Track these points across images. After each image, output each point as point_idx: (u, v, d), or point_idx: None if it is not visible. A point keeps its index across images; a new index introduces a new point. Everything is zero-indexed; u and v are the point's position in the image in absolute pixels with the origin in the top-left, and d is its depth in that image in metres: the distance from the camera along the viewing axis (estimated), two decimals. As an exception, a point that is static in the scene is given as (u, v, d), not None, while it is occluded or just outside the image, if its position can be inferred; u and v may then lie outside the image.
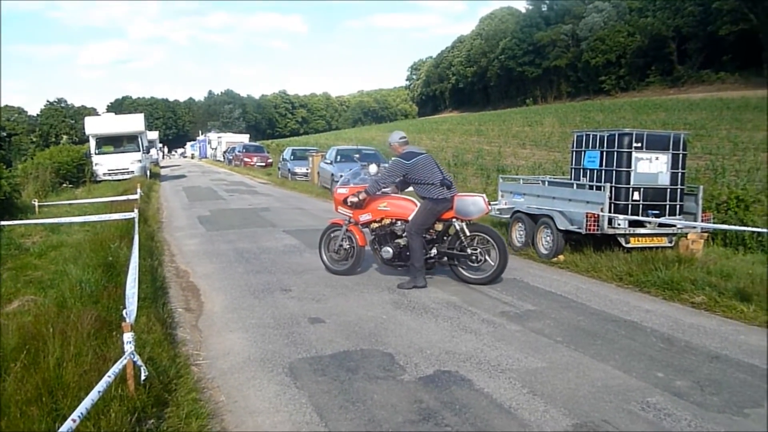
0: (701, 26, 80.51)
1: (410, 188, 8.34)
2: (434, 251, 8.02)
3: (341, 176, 18.38)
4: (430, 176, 7.84)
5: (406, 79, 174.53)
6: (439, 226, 8.05)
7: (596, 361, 5.20)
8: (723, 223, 10.92)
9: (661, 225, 9.17)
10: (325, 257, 8.70)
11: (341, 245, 8.49)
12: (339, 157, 21.48)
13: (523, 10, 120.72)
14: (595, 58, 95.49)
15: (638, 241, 9.13)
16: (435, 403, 4.32)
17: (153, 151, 42.69)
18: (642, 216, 9.10)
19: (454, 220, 7.94)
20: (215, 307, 7.07)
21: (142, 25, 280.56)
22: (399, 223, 8.17)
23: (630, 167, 9.07)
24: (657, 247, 9.05)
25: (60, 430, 2.79)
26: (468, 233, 7.94)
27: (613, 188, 9.11)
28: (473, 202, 7.98)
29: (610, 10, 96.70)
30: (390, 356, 5.30)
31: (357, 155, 19.54)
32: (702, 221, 9.30)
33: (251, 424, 4.07)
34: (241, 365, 5.18)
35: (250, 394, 4.58)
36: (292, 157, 30.59)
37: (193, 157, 75.44)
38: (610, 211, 8.96)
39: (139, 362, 4.22)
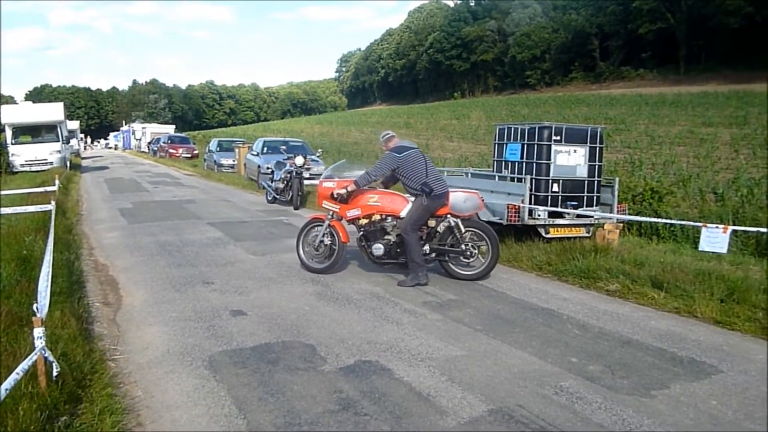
0: (622, 24, 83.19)
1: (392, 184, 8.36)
2: (427, 248, 7.82)
3: (268, 167, 18.38)
4: (422, 171, 7.70)
5: (336, 71, 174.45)
6: (432, 222, 7.85)
7: (514, 348, 5.33)
8: (638, 214, 11.32)
9: (579, 216, 9.44)
10: (302, 254, 8.31)
11: (322, 241, 8.13)
12: (266, 148, 21.25)
13: (452, 5, 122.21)
14: (521, 54, 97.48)
15: (557, 231, 9.38)
16: (354, 392, 4.35)
17: (73, 142, 41.42)
18: (561, 207, 9.35)
19: (448, 216, 7.80)
20: (135, 300, 6.91)
21: (63, 12, 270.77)
22: (389, 219, 7.92)
23: (549, 160, 9.31)
24: (575, 238, 9.32)
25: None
26: (463, 229, 7.86)
27: (534, 180, 9.33)
28: (468, 198, 7.92)
29: (536, 7, 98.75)
30: (311, 347, 5.30)
31: (284, 147, 19.38)
32: (618, 212, 9.63)
33: (168, 419, 4.01)
34: (159, 359, 5.08)
35: (168, 388, 4.50)
36: (218, 149, 30.13)
37: (116, 148, 73.49)
38: (530, 203, 9.18)
39: (51, 358, 4.11)
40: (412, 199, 7.82)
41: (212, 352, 5.21)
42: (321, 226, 8.19)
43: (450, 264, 7.95)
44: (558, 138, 9.31)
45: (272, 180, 16.91)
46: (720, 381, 4.69)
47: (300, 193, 15.65)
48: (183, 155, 39.45)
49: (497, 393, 4.36)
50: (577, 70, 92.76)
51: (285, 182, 16.13)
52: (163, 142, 43.75)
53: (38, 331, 3.96)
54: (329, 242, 8.12)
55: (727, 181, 17.70)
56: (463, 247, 7.82)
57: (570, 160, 9.43)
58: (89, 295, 7.12)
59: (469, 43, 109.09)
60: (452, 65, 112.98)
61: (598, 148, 9.64)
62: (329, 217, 8.12)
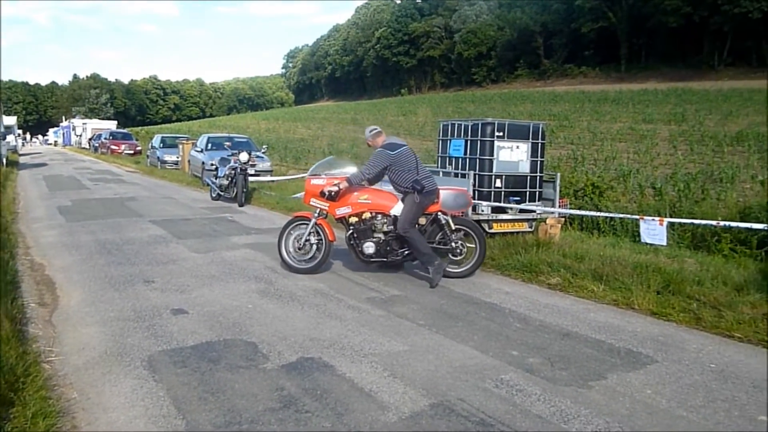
0: (565, 23, 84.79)
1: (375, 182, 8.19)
2: None
3: (212, 164, 18.14)
4: (414, 169, 7.62)
5: (283, 67, 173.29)
6: (423, 220, 7.79)
7: (456, 343, 5.37)
8: (579, 208, 11.54)
9: (521, 211, 9.58)
10: (285, 255, 8.03)
11: (308, 240, 7.90)
12: (210, 145, 20.98)
13: (399, 1, 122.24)
14: (467, 51, 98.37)
15: (500, 226, 9.49)
16: (296, 390, 4.32)
17: (10, 138, 40.15)
18: (504, 202, 9.47)
19: (439, 213, 7.77)
20: (72, 301, 6.73)
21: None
22: (379, 216, 7.78)
23: (492, 156, 9.40)
24: (518, 232, 9.46)
25: None
26: (453, 227, 7.85)
27: (477, 176, 9.41)
28: (458, 195, 7.91)
29: (482, 5, 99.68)
30: (254, 345, 5.25)
31: (228, 143, 19.14)
32: (559, 207, 9.79)
33: (104, 421, 3.92)
34: (96, 360, 4.96)
35: (105, 389, 4.40)
36: (161, 145, 29.61)
37: (56, 144, 71.56)
38: (474, 198, 9.26)
39: (-21, 360, 3.97)
40: (400, 196, 7.79)
41: (151, 351, 5.11)
42: (305, 224, 7.97)
43: None
44: (501, 134, 9.41)
45: (216, 177, 16.71)
46: (655, 371, 4.81)
47: (245, 190, 15.50)
48: (125, 152, 38.68)
49: (439, 387, 4.39)
50: (522, 67, 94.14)
51: (229, 179, 15.95)
52: (105, 138, 42.81)
53: (-35, 334, 3.82)
54: (315, 240, 7.95)
55: (665, 176, 18.20)
56: (453, 245, 7.83)
57: (513, 155, 9.55)
58: (24, 295, 6.89)
59: (416, 40, 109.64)
60: (399, 61, 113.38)
61: (540, 144, 9.78)
62: (316, 215, 7.90)
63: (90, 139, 49.92)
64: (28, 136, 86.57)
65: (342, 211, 7.79)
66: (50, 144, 76.26)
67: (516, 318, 6.19)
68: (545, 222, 9.48)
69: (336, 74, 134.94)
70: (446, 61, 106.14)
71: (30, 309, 6.40)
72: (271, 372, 4.66)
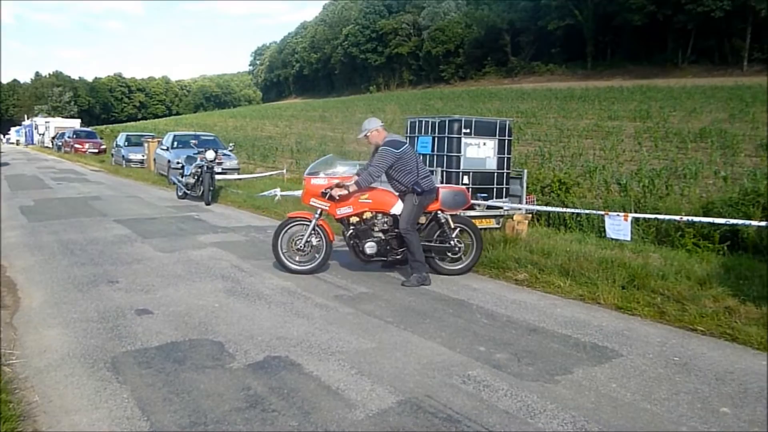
0: (532, 20, 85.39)
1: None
2: None
3: (178, 162, 17.95)
4: (417, 167, 7.56)
5: (250, 65, 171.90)
6: (422, 219, 7.77)
7: (423, 339, 5.38)
8: (547, 204, 11.65)
9: (489, 207, 9.62)
10: (283, 256, 7.83)
11: (308, 241, 7.75)
12: (176, 143, 20.79)
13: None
14: (435, 48, 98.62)
15: (468, 223, 9.51)
16: (263, 389, 4.28)
17: (-30, 138, 39.31)
18: (471, 199, 9.49)
19: (438, 212, 7.76)
20: (33, 302, 6.60)
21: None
22: (380, 216, 7.70)
23: (460, 152, 9.43)
24: (485, 229, 9.48)
25: None
26: (453, 225, 7.85)
27: (445, 172, 9.44)
28: (457, 194, 7.89)
29: (450, 2, 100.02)
30: (220, 345, 5.19)
31: (194, 141, 18.97)
32: (526, 203, 9.86)
33: (66, 424, 3.84)
34: (58, 362, 4.87)
35: (67, 392, 4.31)
36: (126, 143, 29.27)
37: (18, 144, 70.25)
38: (440, 195, 9.28)
39: (-65, 365, 3.87)
40: (396, 193, 7.74)
41: (115, 353, 5.02)
42: (303, 224, 7.81)
43: (436, 260, 7.88)
44: (468, 131, 9.45)
45: (183, 175, 16.55)
46: (620, 364, 4.86)
47: (211, 188, 15.36)
48: (89, 150, 38.16)
49: (406, 384, 4.38)
50: (489, 64, 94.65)
51: (196, 177, 15.80)
52: (68, 137, 42.19)
53: None
54: (317, 242, 7.82)
55: (630, 173, 18.44)
56: (452, 243, 7.84)
57: (480, 152, 9.59)
58: (-16, 297, 6.76)
59: (384, 36, 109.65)
60: (367, 59, 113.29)
61: (507, 141, 9.84)
62: (317, 215, 7.73)
63: (53, 138, 49.13)
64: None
65: (343, 211, 7.65)
66: (12, 143, 74.79)
67: (483, 314, 6.21)
68: (512, 218, 9.54)
69: (304, 72, 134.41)
70: (414, 59, 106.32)
71: (-10, 311, 6.26)
72: (237, 371, 4.61)
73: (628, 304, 6.46)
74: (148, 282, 7.32)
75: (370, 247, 7.62)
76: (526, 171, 10.31)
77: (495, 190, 9.75)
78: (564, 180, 13.06)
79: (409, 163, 7.50)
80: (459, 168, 9.42)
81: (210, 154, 15.51)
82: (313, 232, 7.75)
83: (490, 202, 9.54)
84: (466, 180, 9.44)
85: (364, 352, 5.03)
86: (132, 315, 6.03)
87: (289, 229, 7.88)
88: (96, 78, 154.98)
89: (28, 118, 78.78)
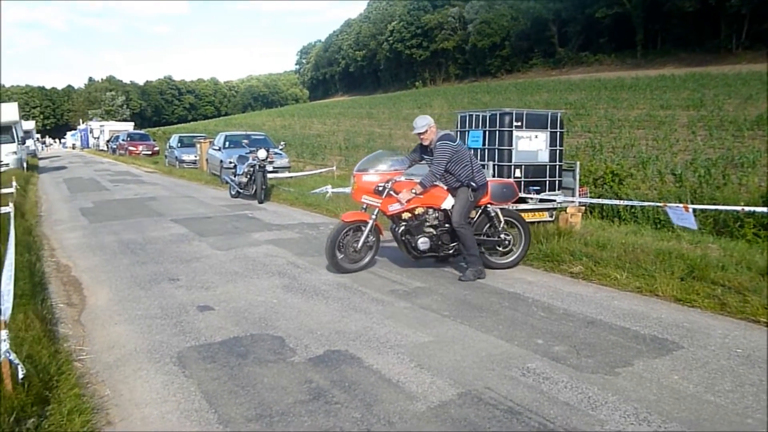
0: (579, 10, 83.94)
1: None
2: None
3: (230, 162, 18.24)
4: (471, 161, 7.53)
5: (296, 63, 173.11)
6: (473, 213, 7.73)
7: (481, 333, 5.40)
8: (599, 197, 11.52)
9: (542, 200, 9.57)
10: (339, 259, 7.64)
11: (366, 242, 7.67)
12: (228, 143, 21.11)
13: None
14: (481, 41, 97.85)
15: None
16: (325, 382, 4.37)
17: (29, 142, 40.56)
18: (524, 192, 9.46)
19: (488, 206, 7.75)
20: (99, 300, 6.83)
21: (15, 10, 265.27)
22: (431, 211, 7.63)
23: (511, 146, 9.40)
24: (538, 222, 9.44)
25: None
26: (502, 219, 7.85)
27: (496, 166, 9.42)
28: (506, 187, 7.89)
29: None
30: (280, 339, 5.31)
31: (246, 141, 19.26)
32: (579, 196, 9.77)
33: (138, 416, 3.99)
34: (127, 358, 5.04)
35: (136, 386, 4.47)
36: (179, 145, 29.83)
37: (74, 147, 72.16)
38: (492, 188, 9.26)
39: (16, 360, 4.04)
40: (444, 188, 7.66)
41: (180, 348, 5.18)
42: (362, 227, 7.65)
43: (485, 254, 7.83)
44: (519, 124, 9.41)
45: (235, 174, 16.82)
46: (681, 356, 4.81)
47: (264, 187, 15.58)
48: (143, 152, 38.98)
49: (465, 377, 4.42)
50: (536, 56, 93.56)
51: (248, 176, 16.04)
52: (123, 140, 43.14)
53: (2, 334, 3.90)
54: (373, 239, 7.79)
55: (685, 163, 18.08)
56: (502, 236, 7.85)
57: (531, 145, 9.54)
58: (52, 296, 7.00)
59: (429, 32, 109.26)
60: (413, 54, 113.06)
61: (558, 133, 9.77)
62: (374, 215, 7.63)
63: (108, 141, 50.33)
64: (46, 139, 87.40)
65: (395, 207, 7.52)
66: (68, 147, 76.90)
67: (540, 307, 6.20)
68: (566, 211, 9.48)
69: (350, 69, 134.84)
70: (460, 53, 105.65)
71: (59, 309, 6.50)
72: (299, 365, 4.71)
73: (687, 296, 6.37)
74: (208, 279, 7.50)
75: (423, 243, 7.55)
76: (578, 163, 10.22)
77: (547, 182, 9.69)
78: (617, 172, 12.88)
79: (464, 157, 7.48)
80: (511, 161, 9.39)
81: (262, 153, 15.73)
82: (371, 231, 7.69)
83: (542, 195, 9.48)
84: (518, 173, 9.41)
85: (423, 346, 5.08)
86: (194, 311, 6.20)
87: (348, 232, 7.69)
88: (147, 81, 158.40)
89: (82, 123, 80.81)
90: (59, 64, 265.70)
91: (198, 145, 27.32)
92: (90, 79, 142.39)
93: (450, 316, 5.90)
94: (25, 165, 28.06)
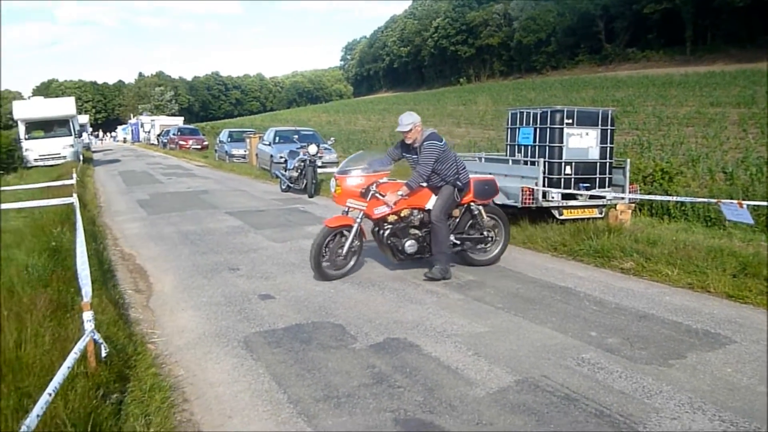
0: (627, 5, 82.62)
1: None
2: (452, 237, 7.54)
3: (281, 157, 18.59)
4: (455, 160, 7.41)
5: (341, 60, 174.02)
6: (456, 211, 7.65)
7: (534, 324, 5.55)
8: (649, 194, 11.48)
9: (591, 197, 9.63)
10: (324, 266, 7.22)
11: (351, 247, 7.30)
12: (277, 138, 21.47)
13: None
14: (526, 38, 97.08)
15: (571, 213, 9.56)
16: (387, 367, 4.58)
17: (84, 135, 41.69)
18: (574, 189, 9.54)
19: (471, 204, 7.69)
20: (165, 287, 7.16)
21: (69, 8, 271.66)
22: (415, 212, 7.44)
23: (562, 143, 9.48)
24: (588, 218, 9.50)
25: (38, 403, 2.93)
26: (485, 216, 7.81)
27: (547, 163, 9.50)
28: (487, 183, 7.87)
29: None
30: (341, 327, 5.53)
31: (296, 136, 19.61)
32: (629, 193, 9.80)
33: (212, 395, 4.25)
34: (196, 341, 5.33)
35: (208, 367, 4.75)
36: (229, 139, 30.36)
37: (125, 141, 73.79)
38: (544, 185, 9.37)
39: (100, 340, 4.35)
40: (423, 184, 7.35)
41: (246, 333, 5.45)
42: (346, 231, 7.28)
43: (469, 252, 7.84)
44: (570, 121, 9.48)
45: (286, 169, 17.14)
46: (734, 350, 4.89)
47: (314, 182, 15.86)
48: (193, 146, 39.68)
49: (522, 365, 4.58)
50: (583, 52, 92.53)
51: (299, 171, 16.34)
52: (173, 134, 44.00)
53: (87, 315, 4.19)
54: (357, 244, 7.43)
55: (736, 161, 17.84)
56: (485, 233, 7.85)
57: (582, 142, 9.60)
58: (120, 283, 7.38)
59: (474, 28, 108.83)
60: (457, 51, 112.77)
61: (609, 131, 9.81)
62: (359, 219, 7.31)
63: (158, 135, 51.36)
64: (100, 133, 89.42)
65: (381, 210, 7.24)
66: (119, 141, 78.61)
67: (591, 301, 6.31)
68: (615, 208, 9.52)
69: (394, 65, 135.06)
70: (505, 49, 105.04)
71: (128, 295, 6.86)
72: (360, 351, 4.93)
73: (739, 292, 6.41)
74: (266, 269, 7.78)
75: (410, 246, 7.35)
76: (628, 160, 10.24)
77: (597, 179, 9.74)
78: (666, 169, 12.81)
79: (450, 156, 7.37)
80: (561, 158, 9.46)
81: (312, 149, 16.01)
82: (354, 237, 7.32)
83: (592, 192, 9.55)
84: (568, 170, 9.49)
85: (479, 335, 5.26)
86: (256, 299, 6.48)
87: (334, 238, 7.28)
88: (194, 77, 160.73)
89: (133, 117, 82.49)
90: (111, 60, 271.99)
91: (247, 140, 27.78)
92: (140, 74, 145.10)
93: (504, 308, 6.06)
94: (81, 158, 28.90)
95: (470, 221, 7.79)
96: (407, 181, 7.19)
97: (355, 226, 7.26)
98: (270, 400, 4.13)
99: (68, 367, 3.48)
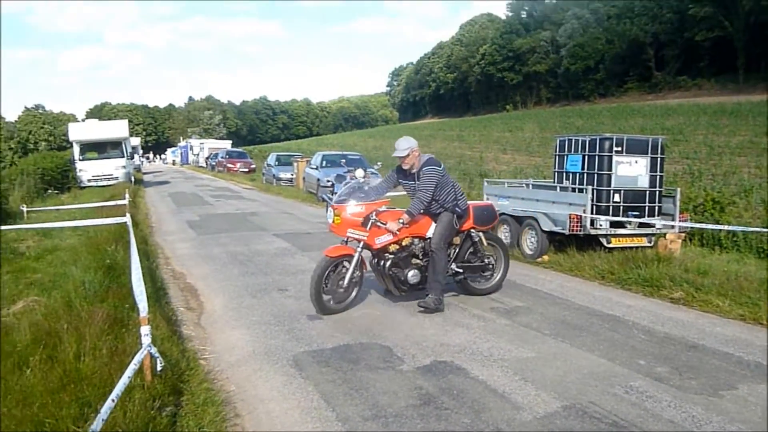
0: (678, 33, 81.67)
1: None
2: (453, 266, 7.38)
3: (328, 180, 18.83)
4: (454, 185, 7.28)
5: (387, 85, 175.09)
6: (457, 239, 7.46)
7: (582, 351, 5.54)
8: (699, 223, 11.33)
9: (641, 225, 9.56)
10: (325, 299, 6.85)
11: (352, 279, 6.93)
12: (324, 162, 21.75)
13: (503, 17, 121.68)
14: (574, 65, 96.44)
15: (619, 241, 9.50)
16: (434, 389, 4.63)
17: (135, 157, 42.73)
18: (622, 217, 9.48)
19: (471, 230, 7.51)
20: (215, 306, 7.33)
21: (118, 30, 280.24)
22: (416, 241, 7.18)
23: (611, 170, 9.45)
24: (637, 247, 9.43)
25: (102, 408, 3.06)
26: (485, 243, 7.64)
27: (595, 190, 9.47)
28: (486, 209, 7.76)
29: (589, 17, 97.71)
30: (388, 349, 5.60)
31: (343, 160, 19.84)
32: (679, 221, 9.70)
33: (263, 410, 4.35)
34: (246, 358, 5.45)
35: (258, 384, 4.86)
36: (276, 163, 30.80)
37: (174, 163, 75.33)
38: (592, 213, 9.33)
39: (156, 353, 4.49)
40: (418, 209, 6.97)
41: (295, 352, 5.55)
42: (346, 262, 6.92)
43: (469, 281, 7.63)
44: (619, 149, 9.45)
45: (333, 193, 17.31)
46: (787, 383, 4.81)
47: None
48: (240, 170, 40.33)
49: (569, 391, 4.58)
50: (632, 80, 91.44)
51: (346, 195, 16.47)
52: (222, 157, 44.85)
53: (145, 329, 4.35)
54: (358, 276, 7.07)
55: (790, 191, 17.42)
56: (485, 261, 7.65)
57: (631, 170, 9.56)
58: (172, 300, 7.57)
59: (522, 55, 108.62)
60: (504, 77, 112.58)
61: (659, 159, 9.75)
62: (360, 249, 6.94)
63: (207, 158, 52.37)
64: (150, 155, 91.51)
65: (383, 239, 6.94)
66: (168, 163, 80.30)
67: (640, 330, 6.26)
68: (665, 237, 9.43)
69: (440, 91, 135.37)
70: (553, 76, 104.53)
71: (180, 312, 7.04)
72: (407, 373, 4.99)
73: (793, 325, 6.30)
74: (314, 291, 7.88)
75: (413, 276, 7.07)
76: (679, 189, 10.14)
77: (647, 208, 9.66)
78: (718, 199, 12.62)
79: (448, 182, 7.17)
80: (610, 186, 9.43)
81: (359, 173, 16.01)
82: (357, 265, 6.96)
83: (641, 220, 9.48)
84: (617, 198, 9.44)
85: (525, 361, 5.27)
86: (304, 319, 6.59)
87: (334, 269, 6.91)
88: (243, 101, 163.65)
89: (182, 140, 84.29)
90: (160, 83, 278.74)
91: (295, 164, 28.17)
92: (190, 98, 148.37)
93: (551, 334, 6.06)
94: (132, 179, 29.64)
95: (471, 248, 7.58)
96: (408, 209, 6.91)
97: (356, 255, 6.90)
98: (319, 417, 4.21)
99: (128, 377, 3.62)
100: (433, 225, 7.16)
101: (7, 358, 4.88)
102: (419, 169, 7.06)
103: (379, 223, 6.82)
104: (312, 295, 6.75)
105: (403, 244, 7.09)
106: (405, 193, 7.54)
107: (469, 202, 7.51)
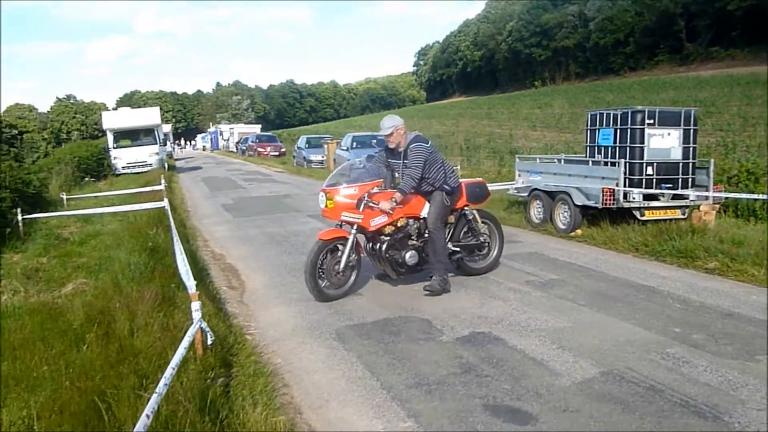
0: (710, 2, 79.89)
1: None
2: (450, 245, 7.26)
3: (359, 161, 18.92)
4: (443, 163, 7.13)
5: (414, 65, 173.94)
6: (452, 218, 7.34)
7: (617, 320, 5.64)
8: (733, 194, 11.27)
9: (674, 197, 9.56)
10: (322, 285, 6.65)
11: (348, 262, 6.75)
12: (355, 143, 21.92)
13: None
14: (603, 39, 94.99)
15: (653, 213, 9.51)
16: (474, 358, 4.77)
17: (168, 144, 43.29)
18: (656, 189, 9.49)
19: (465, 208, 7.42)
20: (256, 284, 7.55)
21: (145, 20, 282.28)
22: (411, 221, 7.04)
23: (643, 143, 9.45)
24: (671, 219, 9.43)
25: (164, 374, 3.26)
26: (480, 221, 7.55)
27: (628, 164, 9.48)
28: (478, 186, 7.68)
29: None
30: (427, 321, 5.76)
31: (373, 141, 19.98)
32: (713, 193, 9.67)
33: (309, 381, 4.54)
34: (290, 333, 5.65)
35: (303, 356, 5.05)
36: (306, 146, 31.02)
37: (204, 149, 76.02)
38: (625, 186, 9.35)
39: (206, 328, 4.69)
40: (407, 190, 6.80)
41: (337, 326, 5.74)
42: (341, 245, 6.74)
43: (464, 260, 7.52)
44: (651, 121, 9.45)
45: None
46: (824, 348, 4.87)
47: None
48: (271, 153, 40.60)
49: (606, 358, 4.70)
50: (662, 52, 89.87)
51: (377, 175, 16.60)
52: (252, 142, 45.18)
53: (195, 305, 4.53)
54: (355, 259, 6.87)
55: (828, 161, 17.17)
56: (481, 239, 7.55)
57: (664, 142, 9.55)
58: (214, 280, 7.80)
59: (549, 30, 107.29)
60: (532, 53, 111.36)
61: (692, 130, 9.72)
62: (354, 231, 6.78)
63: (237, 143, 52.80)
64: (181, 141, 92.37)
65: (378, 221, 6.75)
66: (198, 149, 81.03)
67: (675, 299, 6.33)
68: (699, 208, 9.43)
69: (467, 69, 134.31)
70: (581, 51, 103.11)
71: (222, 291, 7.26)
72: (447, 344, 5.14)
73: (829, 292, 6.32)
74: (351, 268, 8.05)
75: (411, 257, 6.91)
76: (712, 160, 10.11)
77: (680, 180, 9.66)
78: (752, 170, 12.51)
79: (437, 159, 7.02)
80: (643, 159, 9.43)
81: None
82: (352, 249, 6.77)
83: (675, 192, 9.48)
84: (650, 170, 9.44)
85: (562, 330, 5.39)
86: (344, 296, 6.77)
87: (328, 253, 6.73)
88: (270, 85, 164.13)
89: (212, 126, 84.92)
90: (188, 70, 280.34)
91: (325, 146, 28.35)
92: (217, 84, 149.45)
93: (586, 305, 6.16)
94: (165, 165, 30.08)
95: (466, 227, 7.51)
96: (399, 187, 6.80)
97: (351, 237, 6.72)
98: (364, 386, 4.38)
99: (184, 348, 3.81)
100: (427, 205, 7.05)
101: (64, 335, 5.13)
102: (406, 147, 6.93)
103: (371, 204, 6.67)
104: (307, 280, 6.58)
105: (398, 225, 6.94)
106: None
107: (460, 180, 7.43)
